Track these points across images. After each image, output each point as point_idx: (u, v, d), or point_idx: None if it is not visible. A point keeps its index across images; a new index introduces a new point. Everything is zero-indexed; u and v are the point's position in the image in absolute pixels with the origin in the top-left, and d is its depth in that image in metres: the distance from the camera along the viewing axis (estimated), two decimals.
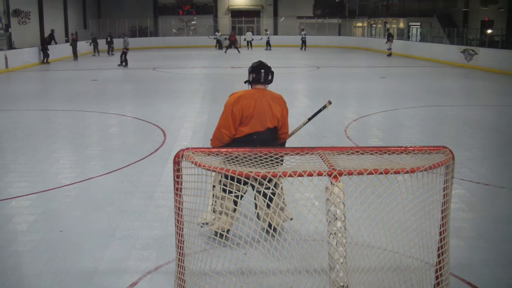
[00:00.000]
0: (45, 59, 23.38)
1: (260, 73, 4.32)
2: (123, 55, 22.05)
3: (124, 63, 22.05)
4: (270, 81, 4.42)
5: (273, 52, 31.61)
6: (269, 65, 4.45)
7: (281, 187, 3.78)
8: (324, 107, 4.90)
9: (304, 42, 33.67)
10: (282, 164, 2.86)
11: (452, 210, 3.88)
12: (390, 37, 28.01)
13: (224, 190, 4.06)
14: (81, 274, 3.91)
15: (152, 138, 8.52)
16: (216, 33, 35.62)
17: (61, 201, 5.58)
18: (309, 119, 4.90)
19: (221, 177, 4.01)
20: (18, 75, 19.43)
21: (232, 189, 3.83)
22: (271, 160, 2.78)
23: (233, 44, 32.27)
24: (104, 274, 3.92)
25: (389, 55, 27.70)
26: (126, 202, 5.50)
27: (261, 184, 2.50)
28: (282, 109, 4.36)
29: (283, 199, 4.28)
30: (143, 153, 7.44)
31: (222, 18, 41.45)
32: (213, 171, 2.58)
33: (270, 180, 2.53)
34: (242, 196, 3.85)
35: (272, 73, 4.40)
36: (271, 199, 3.92)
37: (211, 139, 4.42)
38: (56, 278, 3.87)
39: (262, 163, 2.75)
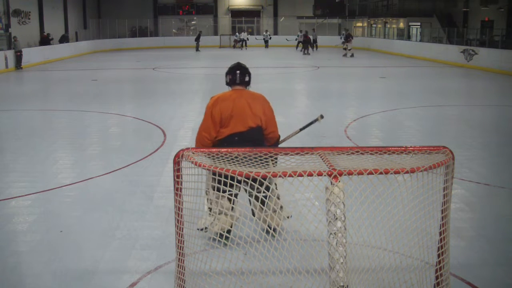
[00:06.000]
0: None
1: (236, 74, 4.33)
2: None
3: None
4: (248, 83, 4.40)
5: (273, 52, 31.59)
6: (246, 66, 4.44)
7: (272, 188, 3.76)
8: (316, 120, 4.95)
9: (266, 42, 35.26)
10: (275, 164, 2.84)
11: (452, 210, 3.87)
12: (349, 37, 27.44)
13: (218, 189, 4.05)
14: (81, 274, 3.91)
15: (152, 138, 8.51)
16: (264, 33, 35.80)
17: (61, 201, 5.58)
18: (301, 129, 4.93)
19: (216, 176, 4.00)
20: (18, 75, 19.42)
21: (226, 187, 3.82)
22: (261, 160, 2.76)
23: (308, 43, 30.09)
24: (104, 274, 3.92)
25: (351, 55, 26.84)
26: (126, 202, 5.50)
27: (252, 187, 2.50)
28: (264, 108, 4.32)
29: (276, 199, 4.25)
30: (143, 153, 7.43)
31: (222, 18, 41.45)
32: (213, 171, 2.58)
33: (261, 183, 2.53)
34: (236, 194, 3.84)
35: (249, 74, 4.39)
36: (263, 202, 3.90)
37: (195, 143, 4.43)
38: (56, 278, 3.87)
39: (252, 162, 2.74)
